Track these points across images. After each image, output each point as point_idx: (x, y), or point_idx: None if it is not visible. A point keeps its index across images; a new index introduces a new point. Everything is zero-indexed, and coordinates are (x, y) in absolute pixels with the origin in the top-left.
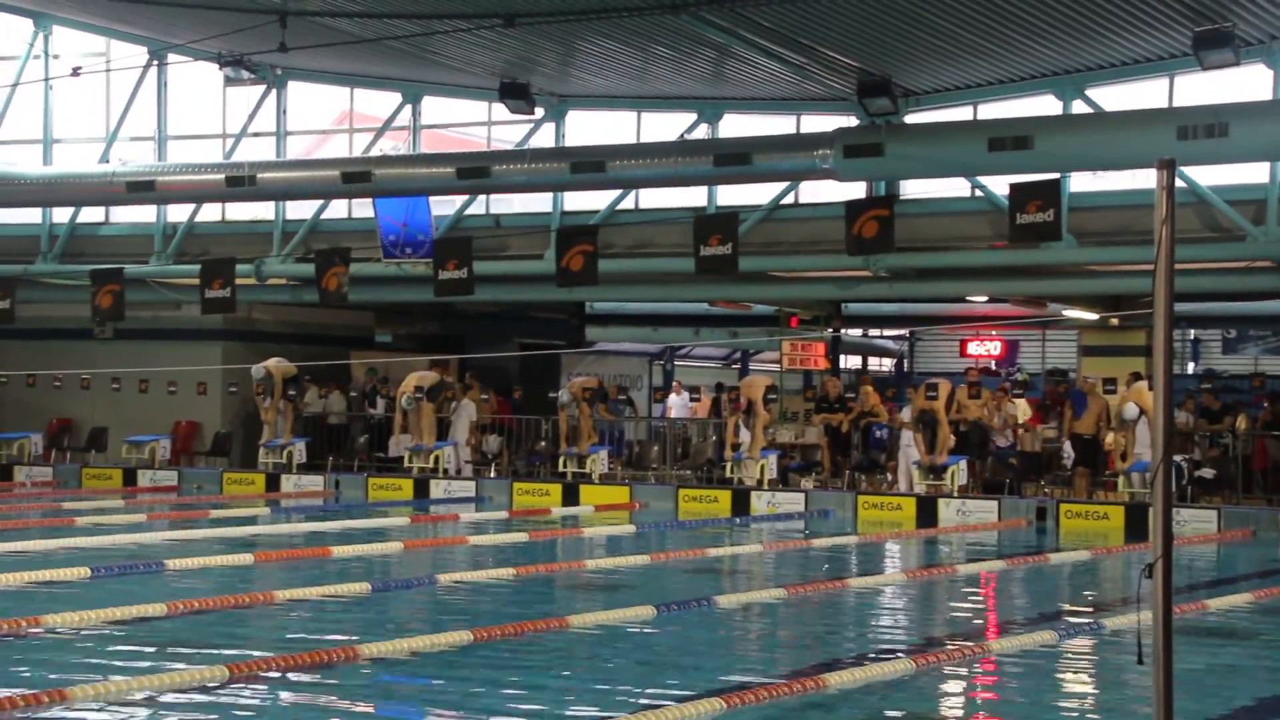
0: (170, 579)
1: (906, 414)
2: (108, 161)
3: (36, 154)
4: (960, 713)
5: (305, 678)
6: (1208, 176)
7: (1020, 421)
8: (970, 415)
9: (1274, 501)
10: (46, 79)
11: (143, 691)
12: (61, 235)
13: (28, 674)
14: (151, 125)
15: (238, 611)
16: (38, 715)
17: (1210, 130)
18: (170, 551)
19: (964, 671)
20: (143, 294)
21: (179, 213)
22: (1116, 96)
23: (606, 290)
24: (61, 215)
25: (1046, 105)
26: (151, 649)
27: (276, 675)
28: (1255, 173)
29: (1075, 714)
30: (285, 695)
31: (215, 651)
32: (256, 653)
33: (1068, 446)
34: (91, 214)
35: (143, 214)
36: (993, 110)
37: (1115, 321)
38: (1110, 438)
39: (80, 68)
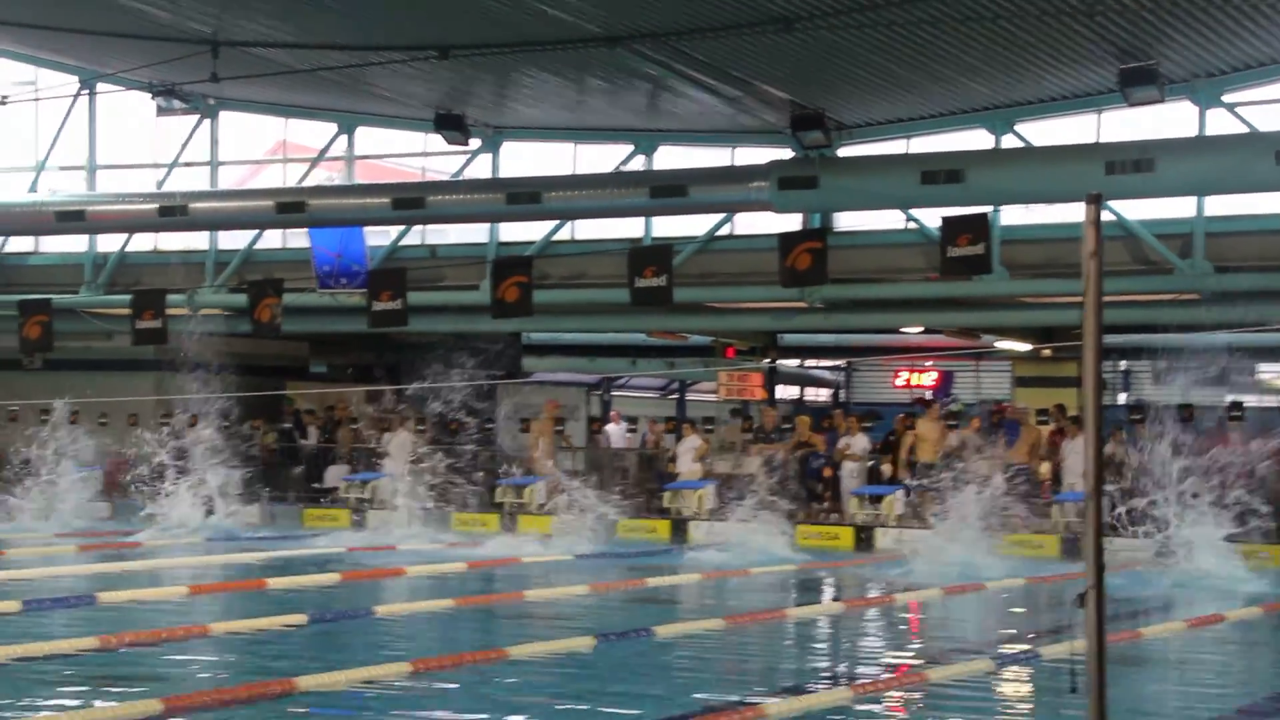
0: (102, 612)
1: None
2: (36, 191)
3: None
4: None
5: (241, 711)
6: (1135, 210)
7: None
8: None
9: None
10: None
11: None
12: None
13: None
14: (82, 155)
15: (172, 644)
16: None
17: (1137, 165)
18: (102, 584)
19: (902, 700)
20: (73, 324)
21: (110, 243)
22: (1046, 131)
23: (542, 321)
24: None
25: (978, 139)
26: (84, 683)
27: (212, 709)
28: (1182, 207)
29: None
30: None
31: (149, 685)
32: (191, 686)
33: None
34: (20, 244)
35: (73, 243)
36: (925, 144)
37: (1047, 353)
38: (1044, 467)
39: (8, 96)
